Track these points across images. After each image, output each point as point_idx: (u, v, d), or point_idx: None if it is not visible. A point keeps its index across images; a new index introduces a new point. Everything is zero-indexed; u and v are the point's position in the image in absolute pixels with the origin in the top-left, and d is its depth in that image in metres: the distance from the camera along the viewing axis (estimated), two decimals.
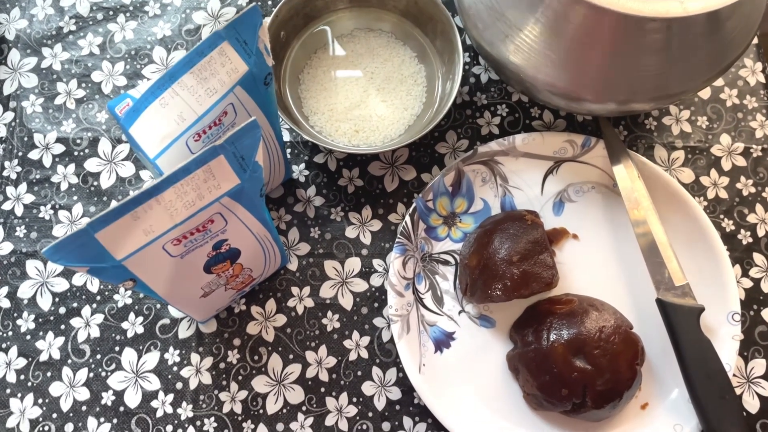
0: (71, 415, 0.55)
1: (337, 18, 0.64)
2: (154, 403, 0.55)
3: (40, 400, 0.55)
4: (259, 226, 0.45)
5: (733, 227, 0.60)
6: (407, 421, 0.55)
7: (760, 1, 0.51)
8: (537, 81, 0.52)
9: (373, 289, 0.58)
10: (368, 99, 0.61)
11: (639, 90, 0.51)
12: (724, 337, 0.53)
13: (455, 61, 0.58)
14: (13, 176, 0.61)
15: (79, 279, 0.58)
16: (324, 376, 0.56)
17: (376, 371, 0.56)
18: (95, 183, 0.61)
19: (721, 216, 0.60)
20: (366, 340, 0.57)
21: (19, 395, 0.55)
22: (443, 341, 0.56)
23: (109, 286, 0.58)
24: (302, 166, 0.61)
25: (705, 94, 0.64)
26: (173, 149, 0.42)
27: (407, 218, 0.57)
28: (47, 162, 0.61)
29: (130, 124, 0.41)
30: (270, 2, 0.68)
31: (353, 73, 0.62)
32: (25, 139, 0.62)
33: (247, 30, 0.42)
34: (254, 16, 0.41)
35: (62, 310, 0.57)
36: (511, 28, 0.51)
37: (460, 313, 0.57)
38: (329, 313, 0.57)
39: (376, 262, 0.59)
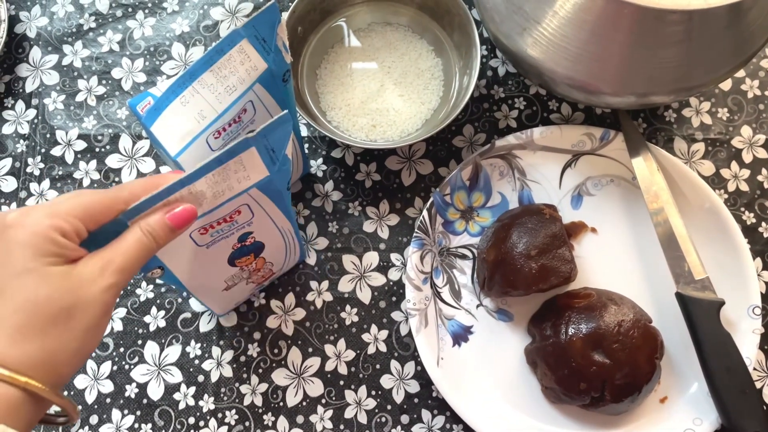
0: (96, 407, 0.56)
1: (354, 12, 0.64)
2: (177, 396, 0.56)
3: (65, 393, 0.56)
4: (284, 219, 0.46)
5: (754, 220, 0.59)
6: (426, 414, 0.55)
7: None
8: (555, 74, 0.52)
9: (391, 283, 0.58)
10: (385, 93, 0.61)
11: (659, 83, 0.50)
12: (745, 330, 0.53)
13: (472, 55, 0.58)
14: (36, 172, 0.62)
15: None
16: (343, 370, 0.56)
17: (394, 364, 0.56)
18: (117, 179, 0.62)
19: (742, 209, 0.60)
20: (384, 333, 0.57)
21: None
22: (461, 335, 0.56)
23: (131, 280, 0.59)
24: (320, 161, 0.62)
25: (726, 85, 0.63)
26: (194, 147, 0.42)
27: (425, 212, 0.57)
28: (69, 158, 0.62)
29: (152, 123, 0.42)
30: None
31: (370, 68, 0.62)
32: (48, 135, 0.63)
33: (266, 27, 0.42)
34: (273, 14, 0.41)
35: None
36: (529, 20, 0.51)
37: (477, 307, 0.57)
38: (348, 307, 0.58)
39: (394, 257, 0.59)
